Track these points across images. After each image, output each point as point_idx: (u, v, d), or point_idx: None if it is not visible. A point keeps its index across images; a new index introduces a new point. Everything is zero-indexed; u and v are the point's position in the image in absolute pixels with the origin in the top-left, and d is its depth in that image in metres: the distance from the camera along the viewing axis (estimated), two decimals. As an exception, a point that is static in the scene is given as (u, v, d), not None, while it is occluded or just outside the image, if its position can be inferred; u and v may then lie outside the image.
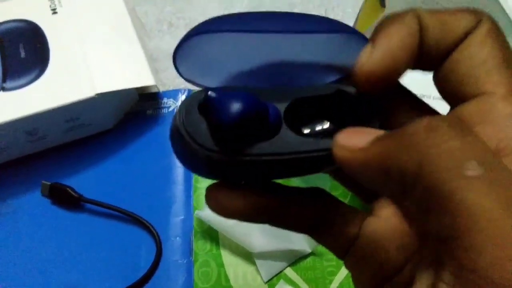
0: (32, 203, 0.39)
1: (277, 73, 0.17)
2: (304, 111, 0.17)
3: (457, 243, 0.11)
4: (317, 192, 0.18)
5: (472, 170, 0.11)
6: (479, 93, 0.15)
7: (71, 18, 0.41)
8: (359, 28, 0.38)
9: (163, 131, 0.42)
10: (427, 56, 0.15)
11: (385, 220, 0.16)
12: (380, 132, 0.14)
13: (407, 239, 0.15)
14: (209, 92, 0.15)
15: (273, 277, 0.36)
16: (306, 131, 0.18)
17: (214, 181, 0.17)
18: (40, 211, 0.38)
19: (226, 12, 0.50)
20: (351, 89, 0.17)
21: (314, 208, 0.17)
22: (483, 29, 0.15)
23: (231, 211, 0.17)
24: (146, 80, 0.40)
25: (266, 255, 0.36)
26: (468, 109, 0.15)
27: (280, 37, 0.16)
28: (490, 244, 0.11)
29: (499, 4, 0.36)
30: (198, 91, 0.16)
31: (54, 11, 0.41)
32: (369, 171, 0.14)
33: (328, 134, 0.17)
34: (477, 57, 0.15)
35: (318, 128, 0.18)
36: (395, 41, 0.15)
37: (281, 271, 0.36)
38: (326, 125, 0.18)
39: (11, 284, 0.36)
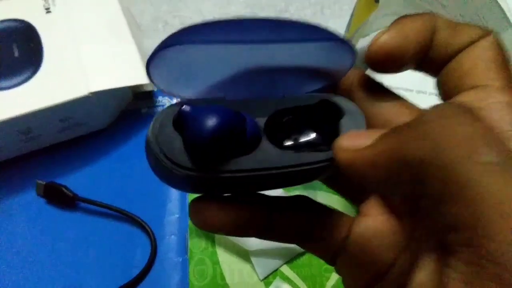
0: (27, 203, 0.39)
1: (257, 83, 0.17)
2: (286, 123, 0.17)
3: (474, 231, 0.11)
4: (301, 200, 0.18)
5: (486, 155, 0.11)
6: (476, 85, 0.15)
7: (65, 17, 0.41)
8: (353, 24, 0.38)
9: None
10: (433, 57, 0.16)
11: (374, 219, 0.16)
12: (383, 130, 0.14)
13: (398, 236, 0.15)
14: (183, 107, 0.15)
15: (269, 275, 0.36)
16: (288, 143, 0.17)
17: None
18: (35, 211, 0.38)
19: (222, 11, 0.50)
20: (334, 99, 0.17)
21: (299, 217, 0.17)
22: (488, 40, 0.15)
23: (215, 226, 0.16)
24: (141, 78, 0.39)
25: (262, 253, 0.36)
26: (464, 98, 0.15)
27: (260, 46, 0.15)
28: (507, 232, 0.10)
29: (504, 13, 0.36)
30: (172, 105, 0.16)
31: (48, 10, 0.41)
32: (377, 169, 0.14)
33: (311, 146, 0.17)
34: (479, 59, 0.15)
35: (301, 140, 0.17)
36: (409, 25, 0.15)
37: (277, 269, 0.36)
38: (309, 136, 0.17)
39: (6, 284, 0.36)
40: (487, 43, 0.15)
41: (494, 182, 0.11)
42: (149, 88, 0.43)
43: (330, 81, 0.17)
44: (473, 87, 0.15)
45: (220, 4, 0.51)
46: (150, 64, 0.15)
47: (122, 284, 0.35)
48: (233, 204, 0.16)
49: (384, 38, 0.15)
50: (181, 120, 0.15)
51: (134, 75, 0.39)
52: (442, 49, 0.16)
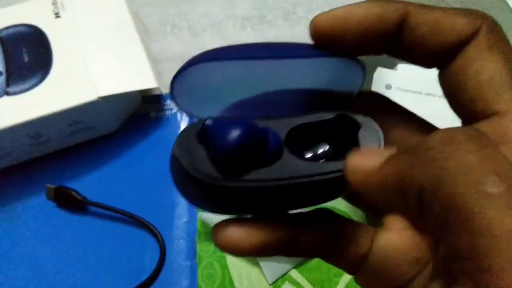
0: (37, 207, 0.39)
1: (275, 102, 0.17)
2: (305, 136, 0.17)
3: (475, 263, 0.11)
4: (323, 214, 0.18)
5: (492, 186, 0.11)
6: (490, 113, 0.14)
7: (74, 22, 0.41)
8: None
9: (167, 133, 0.42)
10: (415, 51, 0.15)
11: (398, 233, 0.16)
12: (392, 151, 0.14)
13: (420, 251, 0.15)
14: (207, 120, 0.15)
15: (278, 279, 0.36)
16: (309, 155, 0.18)
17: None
18: (45, 214, 0.39)
19: (230, 12, 0.50)
20: (351, 113, 0.17)
21: (321, 232, 0.17)
22: (483, 38, 0.15)
23: (240, 248, 0.16)
24: (149, 82, 0.40)
25: (271, 257, 0.36)
26: (482, 130, 0.14)
27: (276, 63, 0.16)
28: (509, 267, 0.10)
29: (505, 1, 0.36)
30: (195, 122, 0.16)
31: (57, 15, 0.41)
32: (385, 191, 0.14)
33: (331, 157, 0.17)
34: (483, 74, 0.14)
35: (321, 151, 0.18)
36: (352, 9, 0.15)
37: (286, 273, 0.36)
38: (329, 148, 0.18)
39: (16, 286, 0.36)
40: (482, 46, 0.14)
41: (497, 215, 0.11)
42: (157, 92, 0.43)
43: (344, 99, 0.18)
44: (487, 116, 0.14)
45: (227, 7, 0.50)
46: (173, 85, 0.15)
47: (131, 288, 0.35)
48: (257, 225, 0.16)
49: (318, 18, 0.15)
50: (205, 133, 0.15)
51: (143, 79, 0.40)
52: (424, 46, 0.15)
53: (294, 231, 0.17)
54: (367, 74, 0.17)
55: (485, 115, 0.14)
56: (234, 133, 0.15)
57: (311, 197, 0.17)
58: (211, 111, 0.17)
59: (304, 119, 0.17)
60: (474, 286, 0.11)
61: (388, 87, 0.40)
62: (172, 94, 0.16)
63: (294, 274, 0.36)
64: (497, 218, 0.11)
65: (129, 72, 0.39)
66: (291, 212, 0.18)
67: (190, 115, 0.17)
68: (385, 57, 0.17)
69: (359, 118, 0.17)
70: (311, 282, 0.36)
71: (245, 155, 0.15)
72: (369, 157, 0.14)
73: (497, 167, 0.11)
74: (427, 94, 0.39)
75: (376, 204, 0.15)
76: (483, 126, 0.14)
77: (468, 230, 0.11)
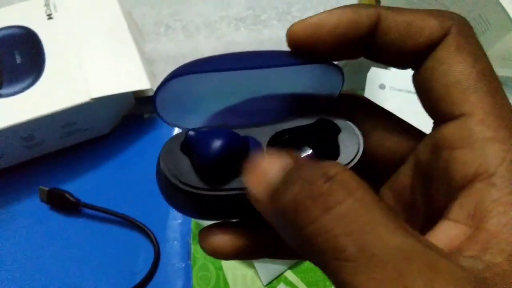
0: (31, 209, 0.39)
1: (256, 110, 0.18)
2: (287, 142, 0.18)
3: None
4: None
5: (349, 252, 0.11)
6: (457, 114, 0.15)
7: (67, 23, 0.41)
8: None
9: (160, 134, 0.42)
10: (388, 53, 0.16)
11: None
12: (287, 159, 0.13)
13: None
14: (189, 132, 0.16)
15: (272, 280, 0.36)
16: None
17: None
18: (38, 216, 0.38)
19: (224, 12, 0.50)
20: (332, 117, 0.18)
21: None
22: (453, 40, 0.15)
23: (226, 252, 0.16)
24: (142, 83, 0.39)
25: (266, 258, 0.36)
26: (448, 131, 0.15)
27: (256, 73, 0.16)
28: None
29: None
30: (179, 133, 0.17)
31: (50, 17, 0.41)
32: (268, 215, 0.14)
33: None
34: (451, 76, 0.15)
35: (303, 156, 0.18)
36: (325, 16, 0.16)
37: (280, 274, 0.36)
38: (310, 152, 0.18)
39: (10, 291, 0.36)
40: (450, 48, 0.15)
41: (352, 277, 0.11)
42: (151, 93, 0.43)
43: (324, 103, 0.18)
44: (454, 117, 0.15)
45: (221, 7, 0.50)
46: (156, 98, 0.16)
47: (125, 290, 0.35)
48: (241, 230, 0.17)
49: (294, 27, 0.16)
50: (188, 144, 0.16)
51: (136, 80, 0.39)
52: (398, 48, 0.15)
53: (278, 234, 0.17)
54: (345, 78, 0.17)
55: (452, 116, 0.15)
56: (216, 143, 0.15)
57: None
58: (195, 121, 0.17)
59: (286, 125, 0.17)
60: None
61: (382, 86, 0.39)
62: (155, 108, 0.16)
63: (289, 275, 0.36)
64: (353, 280, 0.11)
65: (122, 73, 0.39)
66: None
67: (176, 126, 0.17)
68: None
69: (339, 122, 0.17)
70: (306, 283, 0.36)
71: (227, 164, 0.15)
72: (259, 173, 0.14)
73: (355, 228, 0.12)
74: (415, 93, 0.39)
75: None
76: (450, 127, 0.15)
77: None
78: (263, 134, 0.17)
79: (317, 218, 0.12)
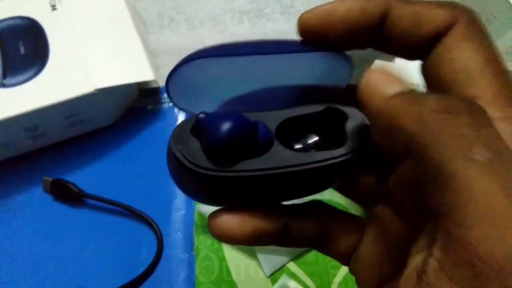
0: (34, 199, 0.39)
1: (265, 98, 0.18)
2: (295, 128, 0.18)
3: (450, 218, 0.11)
4: (315, 205, 0.18)
5: (480, 155, 0.11)
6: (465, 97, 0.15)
7: (71, 14, 0.41)
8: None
9: (164, 126, 0.42)
10: (397, 44, 0.16)
11: (386, 224, 0.16)
12: (408, 87, 0.14)
13: (408, 239, 0.15)
14: (200, 114, 0.16)
15: (275, 271, 0.36)
16: (299, 146, 0.18)
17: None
18: (42, 207, 0.39)
19: (227, 5, 0.50)
20: (339, 105, 0.18)
21: (314, 223, 0.18)
22: (460, 29, 0.15)
23: (234, 237, 0.17)
24: (146, 75, 0.39)
25: (269, 249, 0.36)
26: None
27: (266, 58, 0.16)
28: (482, 220, 0.11)
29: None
30: (190, 117, 0.17)
31: (54, 8, 0.41)
32: (379, 122, 0.14)
33: (320, 147, 0.18)
34: (458, 62, 0.15)
35: (310, 142, 0.18)
36: (337, 5, 0.16)
37: (283, 265, 0.36)
38: (317, 138, 0.18)
39: (12, 279, 0.36)
40: (458, 37, 0.15)
41: (477, 175, 0.11)
42: (155, 85, 0.43)
43: (332, 93, 0.18)
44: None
45: (225, 0, 0.50)
46: (168, 82, 0.16)
47: (128, 281, 0.35)
48: (251, 214, 0.17)
49: (305, 15, 0.16)
50: (199, 126, 0.16)
51: (140, 71, 0.39)
52: (405, 39, 0.16)
53: (287, 221, 0.17)
54: (355, 68, 0.17)
55: None
56: (226, 125, 0.15)
57: (301, 187, 0.17)
58: (205, 108, 0.17)
59: (294, 112, 0.18)
60: (448, 240, 0.11)
61: (386, 79, 0.39)
62: (167, 92, 0.16)
63: (292, 266, 0.36)
64: (477, 178, 0.11)
65: (126, 65, 0.39)
66: (284, 203, 0.18)
67: (185, 112, 0.18)
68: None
69: (347, 110, 0.18)
70: (309, 274, 0.36)
71: (236, 146, 0.15)
72: (387, 80, 0.14)
73: (488, 142, 0.12)
74: (425, 86, 0.39)
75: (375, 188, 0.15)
76: None
77: (448, 187, 0.11)
78: (272, 119, 0.17)
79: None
